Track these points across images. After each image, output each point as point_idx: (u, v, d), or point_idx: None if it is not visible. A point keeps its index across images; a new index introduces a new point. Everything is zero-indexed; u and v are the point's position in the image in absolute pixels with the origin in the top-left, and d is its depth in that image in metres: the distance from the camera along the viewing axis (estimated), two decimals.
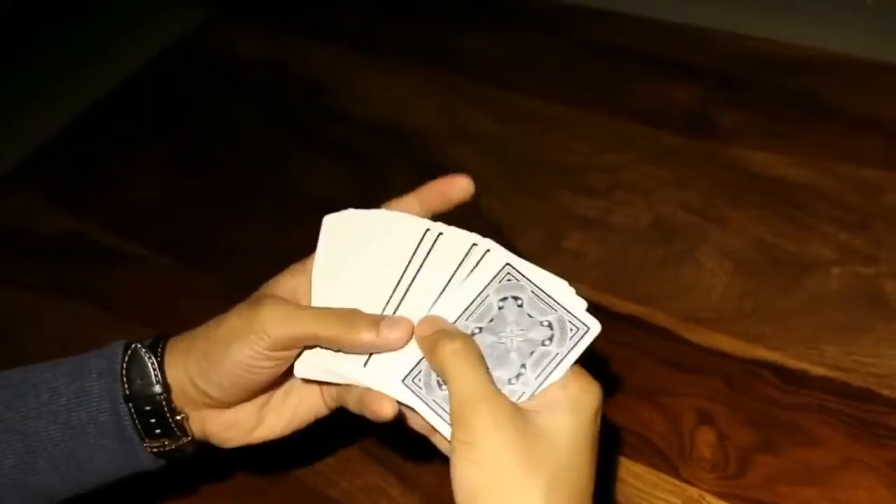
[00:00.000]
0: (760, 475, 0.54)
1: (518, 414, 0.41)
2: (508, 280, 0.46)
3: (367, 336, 0.44)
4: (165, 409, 0.47)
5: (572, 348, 0.44)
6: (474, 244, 0.48)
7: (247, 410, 0.48)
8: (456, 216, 0.73)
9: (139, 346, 0.48)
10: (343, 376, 0.45)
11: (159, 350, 0.47)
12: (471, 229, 0.72)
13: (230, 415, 0.48)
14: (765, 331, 0.61)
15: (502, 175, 0.76)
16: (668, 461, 0.55)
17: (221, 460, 0.59)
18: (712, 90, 0.80)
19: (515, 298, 0.45)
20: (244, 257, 0.74)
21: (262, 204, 0.79)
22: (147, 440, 0.47)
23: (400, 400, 0.44)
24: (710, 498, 0.53)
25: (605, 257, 0.68)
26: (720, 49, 0.84)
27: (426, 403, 0.44)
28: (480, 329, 0.45)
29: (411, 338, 0.45)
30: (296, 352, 0.46)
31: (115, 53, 0.99)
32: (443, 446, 0.45)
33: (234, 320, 0.46)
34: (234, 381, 0.46)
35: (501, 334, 0.44)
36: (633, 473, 0.55)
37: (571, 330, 0.44)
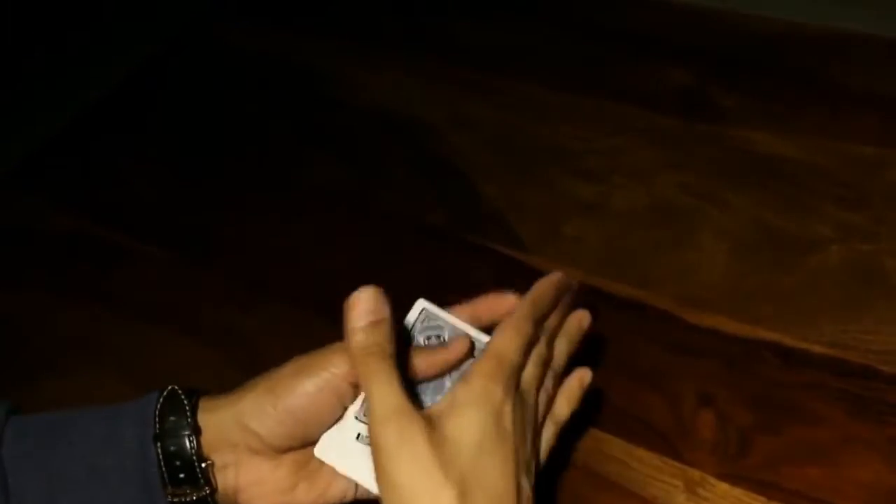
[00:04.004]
0: (761, 455, 0.54)
1: (424, 426, 0.41)
2: (427, 321, 0.50)
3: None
4: (192, 452, 0.46)
5: None
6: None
7: (283, 469, 0.48)
8: (457, 207, 0.74)
9: (175, 389, 0.48)
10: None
11: (194, 398, 0.48)
12: (472, 217, 0.73)
13: (267, 469, 0.48)
14: (765, 311, 0.61)
15: (501, 162, 0.76)
16: (670, 444, 0.56)
17: None
18: (709, 71, 0.79)
19: (438, 336, 0.49)
20: (246, 252, 0.74)
21: (262, 197, 0.79)
22: (170, 487, 0.47)
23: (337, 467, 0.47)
24: (711, 479, 0.54)
25: (604, 241, 0.68)
26: (716, 29, 0.84)
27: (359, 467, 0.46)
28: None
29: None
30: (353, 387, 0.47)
31: (112, 52, 0.99)
32: None
33: (302, 359, 0.47)
34: (295, 416, 0.46)
35: None
36: (634, 457, 0.55)
37: (481, 349, 0.48)
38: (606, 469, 0.55)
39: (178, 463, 0.46)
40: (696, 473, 0.54)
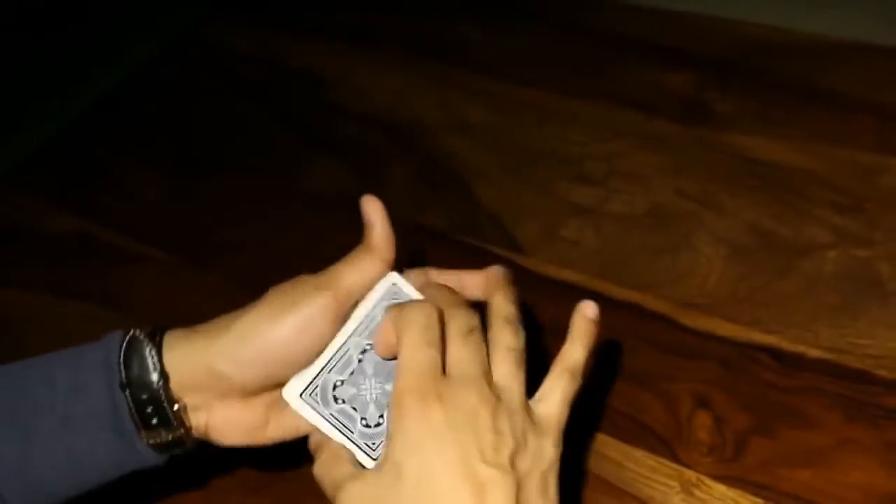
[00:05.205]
0: (757, 457, 0.54)
1: (371, 485, 0.42)
2: (395, 297, 0.49)
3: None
4: (163, 397, 0.47)
5: None
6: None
7: (256, 408, 0.49)
8: (456, 209, 0.74)
9: (137, 333, 0.48)
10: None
11: (157, 339, 0.48)
12: (470, 220, 0.73)
13: (237, 410, 0.48)
14: (761, 315, 0.61)
15: (499, 166, 0.77)
16: (666, 445, 0.56)
17: (225, 454, 0.60)
18: (707, 76, 0.80)
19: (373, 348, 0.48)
20: (246, 253, 0.75)
21: (262, 200, 0.80)
22: (144, 431, 0.47)
23: (301, 413, 0.48)
24: (707, 481, 0.54)
25: (602, 245, 0.68)
26: (714, 36, 0.84)
27: (323, 417, 0.47)
28: (342, 382, 0.48)
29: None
30: (334, 326, 0.48)
31: (113, 54, 0.99)
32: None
33: (280, 294, 0.48)
34: (270, 361, 0.47)
35: (361, 387, 0.48)
36: (631, 458, 0.56)
37: None
38: (602, 470, 0.55)
39: (149, 409, 0.47)
40: (692, 475, 0.54)
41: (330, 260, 0.73)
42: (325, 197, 0.78)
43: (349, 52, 0.93)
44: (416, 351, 0.44)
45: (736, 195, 0.70)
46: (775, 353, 0.59)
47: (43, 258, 0.78)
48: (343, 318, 0.48)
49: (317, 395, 0.48)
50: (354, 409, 0.48)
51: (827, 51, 0.80)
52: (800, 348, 0.59)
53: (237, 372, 0.47)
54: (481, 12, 0.94)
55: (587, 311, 0.48)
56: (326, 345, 0.48)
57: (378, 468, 0.43)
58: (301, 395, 0.48)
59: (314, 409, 0.47)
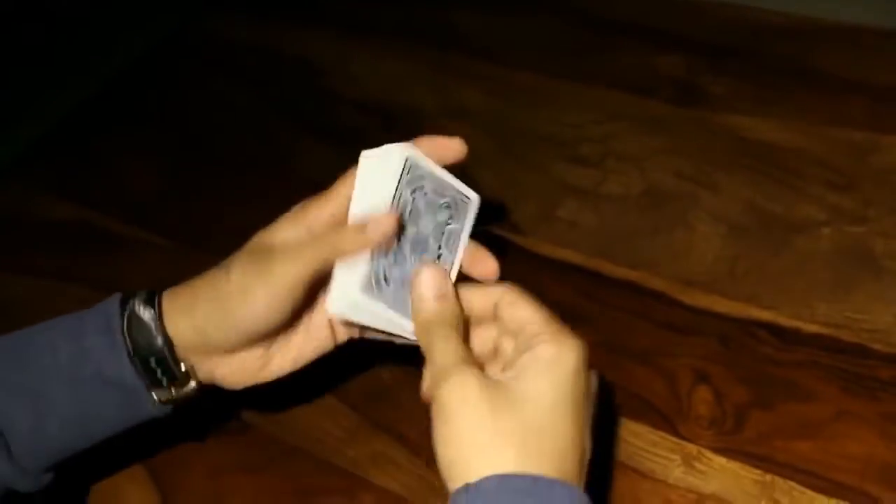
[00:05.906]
0: (756, 430, 0.55)
1: (487, 385, 0.42)
2: (411, 172, 0.48)
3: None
4: (170, 361, 0.48)
5: (466, 220, 0.50)
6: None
7: (254, 353, 0.50)
8: None
9: (135, 301, 0.50)
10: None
11: (156, 304, 0.49)
12: None
13: (238, 359, 0.50)
14: (758, 291, 0.62)
15: (496, 149, 0.77)
16: (667, 419, 0.57)
17: (228, 432, 0.61)
18: (701, 59, 0.80)
19: (421, 188, 0.48)
20: (245, 238, 0.75)
21: (259, 187, 0.80)
22: (154, 390, 0.49)
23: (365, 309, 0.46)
24: (708, 454, 0.55)
25: (599, 225, 0.69)
26: (708, 18, 0.85)
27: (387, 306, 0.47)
28: (389, 265, 0.47)
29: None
30: (305, 292, 0.47)
31: (111, 46, 0.99)
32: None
33: (251, 262, 0.49)
34: (248, 329, 0.48)
35: (420, 223, 0.48)
36: (633, 432, 0.57)
37: (461, 204, 0.50)
38: (605, 444, 0.56)
39: (157, 371, 0.49)
40: (692, 448, 0.55)
41: None
42: (324, 184, 0.78)
43: (345, 40, 0.93)
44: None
45: (731, 175, 0.70)
46: (773, 329, 0.60)
47: (43, 246, 0.79)
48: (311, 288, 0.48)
49: (373, 284, 0.46)
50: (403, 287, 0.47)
51: (821, 34, 0.81)
52: (797, 323, 0.60)
53: (228, 339, 0.48)
54: None
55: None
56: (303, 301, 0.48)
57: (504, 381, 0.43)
58: (362, 290, 0.46)
59: (376, 300, 0.46)
